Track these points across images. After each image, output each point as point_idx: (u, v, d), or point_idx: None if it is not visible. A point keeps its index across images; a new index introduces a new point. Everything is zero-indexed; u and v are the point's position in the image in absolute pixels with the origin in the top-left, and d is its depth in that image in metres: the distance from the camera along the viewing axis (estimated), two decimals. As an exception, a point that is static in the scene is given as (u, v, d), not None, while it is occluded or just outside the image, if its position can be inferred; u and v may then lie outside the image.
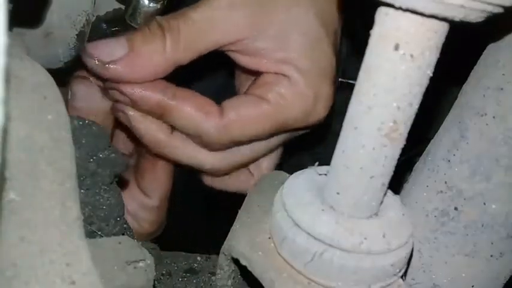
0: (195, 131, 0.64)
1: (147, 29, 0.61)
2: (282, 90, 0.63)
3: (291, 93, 0.63)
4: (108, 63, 0.60)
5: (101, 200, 0.48)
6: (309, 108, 0.64)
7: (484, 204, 0.47)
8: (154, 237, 0.77)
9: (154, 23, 0.61)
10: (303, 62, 0.63)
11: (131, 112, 0.64)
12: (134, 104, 0.63)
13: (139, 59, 0.60)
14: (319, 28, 0.63)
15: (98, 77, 0.64)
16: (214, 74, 0.85)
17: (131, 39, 0.61)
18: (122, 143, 0.76)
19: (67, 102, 0.43)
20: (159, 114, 0.64)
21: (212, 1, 0.61)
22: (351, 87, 0.39)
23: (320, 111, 0.65)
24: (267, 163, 0.72)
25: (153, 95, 0.62)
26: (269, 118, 0.64)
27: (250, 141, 0.66)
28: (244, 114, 0.63)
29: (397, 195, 0.44)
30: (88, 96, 0.66)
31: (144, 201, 0.72)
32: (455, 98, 0.50)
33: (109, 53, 0.60)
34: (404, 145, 0.39)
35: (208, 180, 0.73)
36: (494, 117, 0.45)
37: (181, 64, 0.62)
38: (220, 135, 0.63)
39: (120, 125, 0.70)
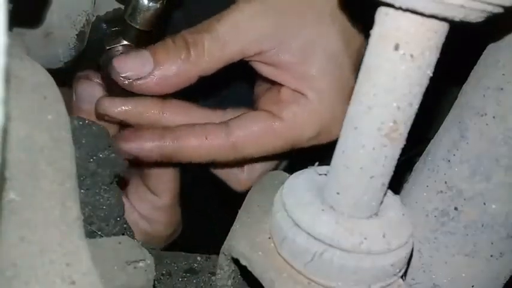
0: (206, 159, 0.64)
1: (171, 42, 0.61)
2: (297, 110, 0.63)
3: (307, 112, 0.63)
4: (135, 80, 0.61)
5: (101, 200, 0.48)
6: (324, 128, 0.64)
7: (484, 204, 0.47)
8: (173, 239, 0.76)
9: (180, 36, 0.61)
10: (322, 80, 0.62)
11: (116, 109, 0.64)
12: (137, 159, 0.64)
13: (164, 74, 0.61)
14: (341, 46, 0.63)
15: (106, 80, 0.64)
16: (219, 83, 0.85)
17: (156, 53, 0.61)
18: None
19: (67, 102, 0.43)
20: (167, 160, 0.64)
21: (237, 11, 0.61)
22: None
23: (335, 132, 0.64)
24: (263, 163, 0.71)
25: (152, 147, 0.62)
26: (281, 136, 0.63)
27: (262, 157, 0.66)
28: (254, 132, 0.62)
29: (397, 195, 0.44)
30: (93, 97, 0.66)
31: (155, 202, 0.72)
32: (455, 98, 0.50)
33: (136, 70, 0.61)
34: (404, 145, 0.39)
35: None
36: (494, 117, 0.45)
37: (206, 75, 0.62)
38: (229, 154, 0.63)
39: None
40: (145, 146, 0.63)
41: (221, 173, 0.71)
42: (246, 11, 0.61)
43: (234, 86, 0.84)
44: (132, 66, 0.61)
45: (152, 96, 0.64)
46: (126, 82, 0.61)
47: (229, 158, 0.64)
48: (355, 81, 0.64)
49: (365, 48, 0.65)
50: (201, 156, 0.63)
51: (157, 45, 0.62)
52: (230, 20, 0.61)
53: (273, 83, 0.65)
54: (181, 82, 0.62)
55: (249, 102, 0.72)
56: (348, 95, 0.63)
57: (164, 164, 0.70)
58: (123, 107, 0.64)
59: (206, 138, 0.62)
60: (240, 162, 0.68)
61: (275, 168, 0.73)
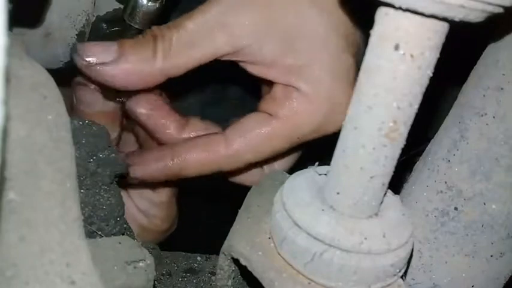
0: (210, 171, 0.63)
1: (140, 36, 0.60)
2: (293, 105, 0.60)
3: (303, 106, 0.60)
4: (96, 64, 0.59)
5: (101, 200, 0.48)
6: (325, 118, 0.61)
7: (484, 204, 0.47)
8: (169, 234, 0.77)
9: (149, 30, 0.60)
10: (311, 68, 0.60)
11: (141, 110, 0.64)
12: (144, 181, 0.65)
13: (126, 65, 0.59)
14: (327, 29, 0.59)
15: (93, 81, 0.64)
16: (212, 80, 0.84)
17: (122, 45, 0.59)
18: (132, 144, 0.76)
19: (67, 103, 0.43)
20: (172, 178, 0.64)
21: (209, 7, 0.58)
22: (351, 87, 0.39)
23: (339, 119, 0.59)
24: (282, 160, 0.70)
25: (154, 169, 0.63)
26: (281, 135, 0.61)
27: (268, 158, 0.65)
28: (253, 136, 0.61)
29: (397, 195, 0.44)
30: (92, 101, 0.67)
31: (153, 198, 0.72)
32: (455, 98, 0.50)
33: (98, 55, 0.59)
34: (404, 145, 0.39)
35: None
36: (494, 117, 0.46)
37: (174, 75, 0.60)
38: (232, 163, 0.63)
39: (126, 127, 0.70)
40: (146, 170, 0.63)
41: (241, 180, 0.70)
42: (216, 8, 0.58)
43: (235, 82, 0.84)
44: (95, 51, 0.59)
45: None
46: (84, 63, 0.59)
47: (233, 167, 0.63)
48: (354, 59, 0.62)
49: (356, 28, 0.62)
50: (205, 169, 0.63)
51: (129, 40, 0.61)
52: (201, 17, 0.58)
53: (266, 81, 0.64)
54: (144, 78, 0.60)
55: (251, 98, 0.71)
56: (346, 75, 0.60)
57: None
58: (148, 111, 0.64)
59: (205, 151, 0.62)
60: (248, 167, 0.67)
61: (295, 159, 0.72)
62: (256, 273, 0.42)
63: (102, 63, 0.58)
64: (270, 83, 0.64)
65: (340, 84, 0.60)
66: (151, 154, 0.64)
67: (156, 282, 0.58)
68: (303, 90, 0.60)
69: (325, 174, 0.43)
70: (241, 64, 0.62)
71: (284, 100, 0.61)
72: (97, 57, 0.59)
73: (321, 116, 0.61)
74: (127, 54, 0.59)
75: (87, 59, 0.59)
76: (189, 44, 0.58)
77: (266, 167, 0.70)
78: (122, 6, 0.68)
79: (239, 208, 0.49)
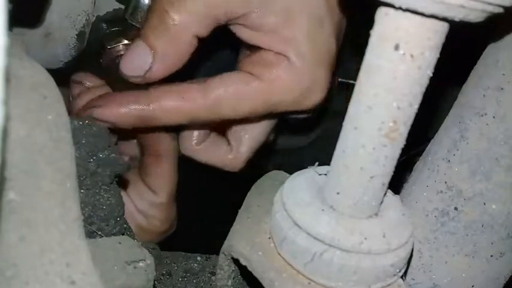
0: (185, 120, 0.63)
1: (153, 19, 0.60)
2: (279, 71, 0.62)
3: (288, 75, 0.62)
4: (146, 74, 0.61)
5: (101, 200, 0.48)
6: (303, 92, 0.63)
7: (484, 204, 0.47)
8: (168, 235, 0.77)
9: (155, 6, 0.60)
10: (305, 44, 0.61)
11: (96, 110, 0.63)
12: (116, 126, 0.63)
13: (165, 53, 0.60)
14: (326, 12, 0.62)
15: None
16: (217, 53, 0.84)
17: (147, 38, 0.60)
18: (131, 144, 0.76)
19: (67, 103, 0.44)
20: (145, 124, 0.63)
21: None
22: (351, 87, 0.39)
23: (315, 97, 0.64)
24: (249, 137, 0.70)
25: (128, 112, 0.62)
26: (261, 96, 0.62)
27: (241, 120, 0.65)
28: (233, 90, 0.61)
29: (397, 195, 0.44)
30: (87, 98, 0.67)
31: (152, 199, 0.73)
32: (455, 98, 0.50)
33: (142, 67, 0.60)
34: (404, 145, 0.39)
35: (188, 150, 0.71)
36: (494, 117, 0.46)
37: (202, 36, 0.61)
38: (209, 114, 0.62)
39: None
40: (120, 111, 0.62)
41: (209, 157, 0.70)
42: None
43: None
44: (136, 66, 0.61)
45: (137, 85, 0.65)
46: (140, 79, 0.61)
47: (207, 119, 0.63)
48: (337, 48, 0.64)
49: (343, 15, 0.64)
50: (179, 117, 0.62)
51: (145, 28, 0.61)
52: None
53: (256, 48, 0.64)
54: (184, 48, 0.61)
55: None
56: (329, 60, 0.63)
57: (163, 162, 0.71)
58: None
59: (183, 98, 0.61)
60: (220, 126, 0.67)
61: (263, 144, 0.72)
62: (256, 273, 0.42)
63: (150, 68, 0.60)
64: (255, 48, 0.64)
65: (322, 64, 0.63)
66: (125, 96, 0.63)
67: (156, 282, 0.58)
68: (292, 61, 0.62)
69: (325, 174, 0.43)
70: (238, 28, 0.63)
71: (273, 65, 0.62)
72: (142, 69, 0.60)
73: (301, 89, 0.63)
74: (157, 45, 0.60)
75: (137, 75, 0.61)
76: (205, 4, 0.59)
77: (234, 144, 0.70)
78: (122, 6, 0.68)
79: (239, 208, 0.49)
